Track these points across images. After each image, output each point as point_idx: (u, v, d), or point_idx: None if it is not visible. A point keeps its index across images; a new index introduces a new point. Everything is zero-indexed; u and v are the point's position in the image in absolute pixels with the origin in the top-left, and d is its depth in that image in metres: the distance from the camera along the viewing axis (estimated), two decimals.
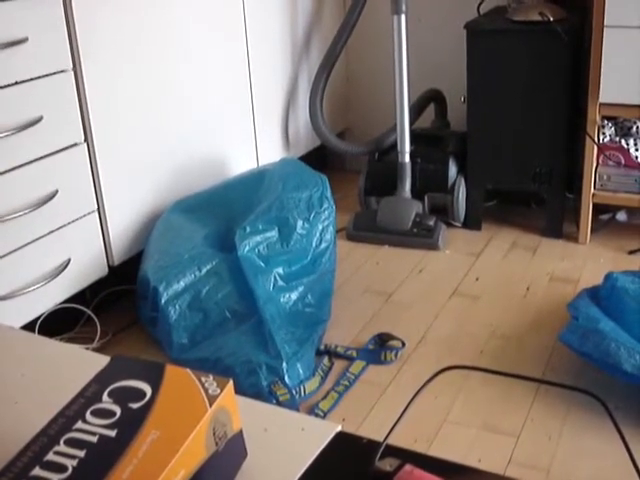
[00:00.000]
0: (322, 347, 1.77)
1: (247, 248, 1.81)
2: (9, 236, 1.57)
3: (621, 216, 2.40)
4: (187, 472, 0.49)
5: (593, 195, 2.22)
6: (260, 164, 2.38)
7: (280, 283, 1.82)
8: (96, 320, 1.87)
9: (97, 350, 1.78)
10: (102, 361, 0.58)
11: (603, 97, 2.09)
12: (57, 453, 0.49)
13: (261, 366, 1.60)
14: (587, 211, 2.24)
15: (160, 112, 1.95)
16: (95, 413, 0.52)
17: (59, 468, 0.48)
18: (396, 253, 2.30)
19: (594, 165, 2.20)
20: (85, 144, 1.73)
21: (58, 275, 1.69)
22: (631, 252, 2.21)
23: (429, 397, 1.61)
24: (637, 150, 2.18)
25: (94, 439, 0.50)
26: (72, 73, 1.67)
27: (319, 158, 2.76)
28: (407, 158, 2.39)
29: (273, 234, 1.86)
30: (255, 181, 2.08)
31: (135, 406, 0.52)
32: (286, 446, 0.59)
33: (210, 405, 0.52)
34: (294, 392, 1.59)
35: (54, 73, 1.62)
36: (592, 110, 2.13)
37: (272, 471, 0.56)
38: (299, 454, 0.58)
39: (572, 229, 2.33)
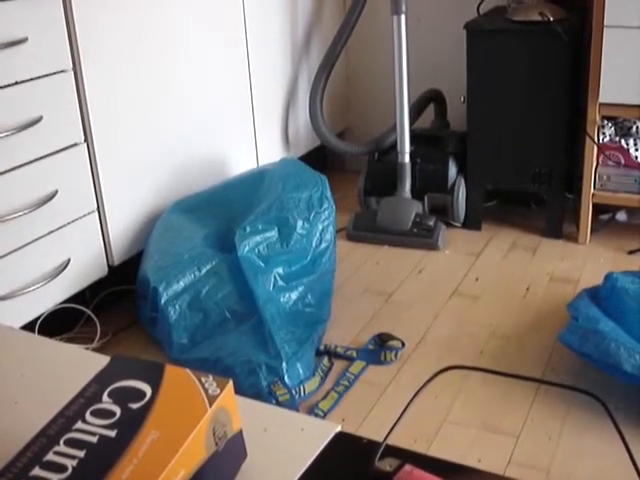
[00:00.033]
0: (322, 347, 1.77)
1: (247, 248, 1.81)
2: (9, 236, 1.57)
3: (621, 216, 2.40)
4: (187, 472, 0.49)
5: (593, 195, 2.22)
6: (260, 164, 2.38)
7: (280, 283, 1.82)
8: (96, 320, 1.87)
9: (97, 350, 1.78)
10: (102, 361, 0.58)
11: (603, 97, 2.09)
12: (57, 453, 0.49)
13: (261, 366, 1.60)
14: (587, 211, 2.24)
15: (160, 112, 1.95)
16: (95, 413, 0.52)
17: (59, 468, 0.48)
18: (396, 253, 2.30)
19: (594, 165, 2.20)
20: (85, 144, 1.73)
21: (58, 275, 1.69)
22: (631, 252, 2.21)
23: (429, 397, 1.61)
24: (637, 150, 2.18)
25: (94, 439, 0.50)
26: (72, 73, 1.67)
27: (319, 158, 2.76)
28: (407, 158, 2.39)
29: (273, 234, 1.86)
30: (255, 181, 2.08)
31: (135, 406, 0.52)
32: (286, 446, 0.59)
33: (210, 405, 0.52)
34: (294, 392, 1.59)
35: (54, 73, 1.62)
36: (592, 110, 2.13)
37: (272, 471, 0.56)
38: (299, 454, 0.58)
39: (572, 229, 2.33)
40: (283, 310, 1.78)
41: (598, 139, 2.18)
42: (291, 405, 1.54)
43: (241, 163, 2.29)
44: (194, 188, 2.07)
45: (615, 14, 2.00)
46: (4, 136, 1.52)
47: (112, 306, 1.98)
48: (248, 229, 1.83)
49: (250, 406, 0.63)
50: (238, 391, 0.56)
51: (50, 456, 0.49)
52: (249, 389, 1.56)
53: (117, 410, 0.52)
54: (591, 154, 2.19)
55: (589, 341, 1.53)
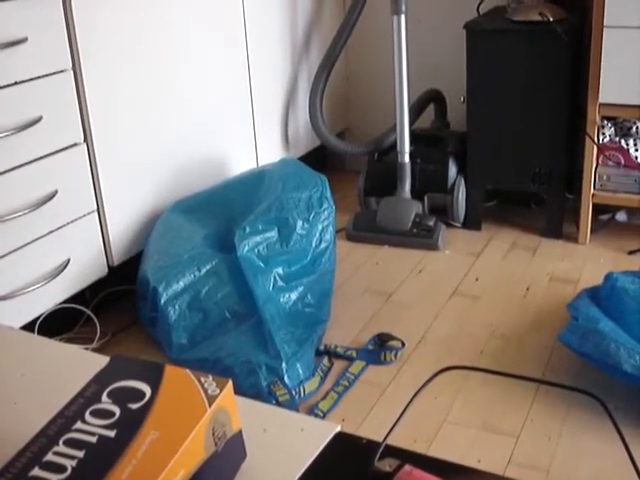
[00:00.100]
0: (322, 347, 1.77)
1: (247, 248, 1.81)
2: (9, 236, 1.57)
3: (621, 216, 2.40)
4: (186, 472, 0.49)
5: (593, 195, 2.22)
6: (260, 164, 2.38)
7: (280, 283, 1.82)
8: (96, 320, 1.87)
9: (96, 350, 1.78)
10: (101, 361, 0.58)
11: (603, 97, 2.09)
12: (56, 453, 0.49)
13: (261, 366, 1.60)
14: (587, 211, 2.24)
15: (160, 112, 1.95)
16: (94, 413, 0.52)
17: (58, 468, 0.48)
18: (396, 253, 2.30)
19: (594, 165, 2.20)
20: (85, 144, 1.73)
21: (58, 275, 1.69)
22: (631, 252, 2.21)
23: (429, 397, 1.61)
24: (637, 150, 2.18)
25: (93, 439, 0.49)
26: (72, 73, 1.67)
27: (319, 158, 2.76)
28: (407, 158, 2.39)
29: (273, 234, 1.86)
30: (255, 181, 2.08)
31: (134, 406, 0.52)
32: (285, 446, 0.59)
33: (209, 405, 0.52)
34: (294, 392, 1.59)
35: (54, 73, 1.62)
36: (592, 110, 2.13)
37: (271, 471, 0.56)
38: (298, 454, 0.58)
39: (572, 229, 2.33)
40: (283, 310, 1.78)
41: (598, 139, 2.18)
42: (291, 405, 1.54)
43: (241, 163, 2.29)
44: (194, 188, 2.07)
45: (615, 14, 2.00)
46: (4, 136, 1.52)
47: (112, 306, 1.98)
48: (248, 229, 1.83)
49: (250, 406, 0.63)
50: (238, 391, 0.56)
51: (49, 456, 0.49)
52: (249, 389, 1.56)
53: (116, 410, 0.52)
54: (591, 154, 2.19)
55: (589, 341, 1.53)
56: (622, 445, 1.39)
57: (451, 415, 1.55)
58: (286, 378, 1.59)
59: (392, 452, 0.57)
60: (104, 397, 0.53)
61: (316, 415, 1.55)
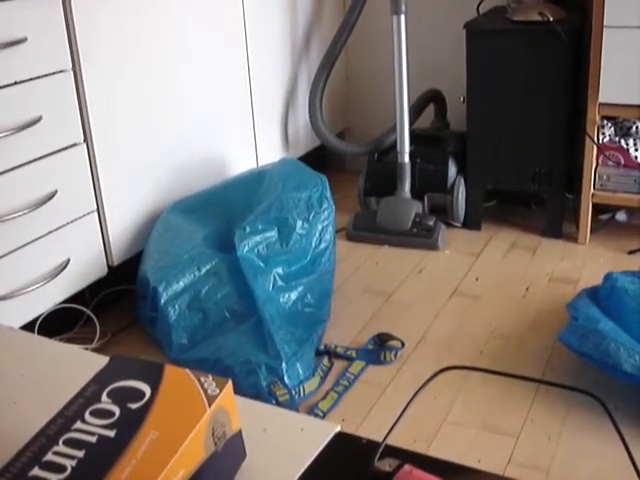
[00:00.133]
0: (322, 347, 1.77)
1: (246, 248, 1.81)
2: (8, 236, 1.57)
3: (621, 216, 2.40)
4: (186, 472, 0.49)
5: (593, 195, 2.22)
6: (260, 164, 2.38)
7: (279, 283, 1.82)
8: (95, 320, 1.87)
9: (96, 350, 1.78)
10: (101, 361, 0.58)
11: (603, 97, 2.09)
12: (56, 453, 0.49)
13: (260, 366, 1.59)
14: (587, 211, 2.24)
15: (160, 112, 1.95)
16: (94, 413, 0.52)
17: (58, 468, 0.48)
18: (396, 253, 2.30)
19: (594, 165, 2.20)
20: (84, 144, 1.73)
21: (57, 275, 1.69)
22: (631, 252, 2.21)
23: (428, 397, 1.61)
24: (637, 150, 2.18)
25: (93, 439, 0.49)
26: (71, 73, 1.67)
27: (319, 158, 2.76)
28: (407, 158, 2.39)
29: (273, 234, 1.86)
30: (255, 181, 2.08)
31: (134, 406, 0.52)
32: (285, 446, 0.59)
33: (209, 405, 0.52)
34: (293, 392, 1.59)
35: (53, 73, 1.62)
36: (592, 110, 2.13)
37: (271, 471, 0.56)
38: (298, 454, 0.58)
39: (572, 229, 2.33)
40: (283, 310, 1.78)
41: (598, 139, 2.18)
42: (291, 405, 1.54)
43: (241, 163, 2.29)
44: (194, 188, 2.07)
45: (615, 14, 2.00)
46: (3, 136, 1.52)
47: (112, 306, 1.98)
48: (248, 229, 1.83)
49: (249, 406, 0.63)
50: (238, 391, 0.56)
51: (49, 456, 0.49)
52: (249, 389, 1.56)
53: (116, 410, 0.52)
54: (591, 154, 2.19)
55: (589, 341, 1.53)
56: (622, 445, 1.39)
57: (451, 415, 1.55)
58: (286, 378, 1.60)
59: (392, 452, 0.57)
60: (104, 397, 0.53)
61: (316, 415, 1.55)
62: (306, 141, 2.66)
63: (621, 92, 2.08)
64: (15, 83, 1.54)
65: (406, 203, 2.38)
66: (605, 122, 2.20)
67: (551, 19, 2.17)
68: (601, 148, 2.20)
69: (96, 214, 1.79)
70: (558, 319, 1.82)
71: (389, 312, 1.96)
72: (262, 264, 1.82)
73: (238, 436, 0.55)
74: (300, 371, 1.64)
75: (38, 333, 1.61)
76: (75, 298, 1.80)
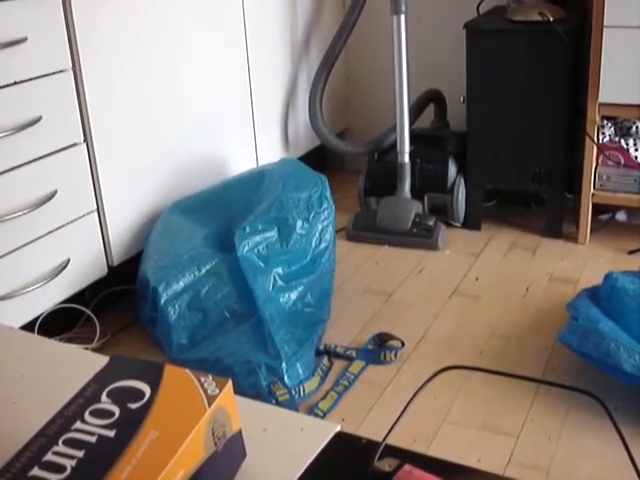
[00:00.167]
0: (322, 347, 1.77)
1: (246, 248, 1.81)
2: (8, 236, 1.57)
3: (621, 216, 2.40)
4: (186, 472, 0.49)
5: (593, 195, 2.22)
6: (260, 164, 2.38)
7: (279, 283, 1.82)
8: (95, 320, 1.87)
9: (96, 350, 1.78)
10: (101, 361, 0.58)
11: (603, 97, 2.09)
12: (56, 453, 0.49)
13: (260, 366, 1.60)
14: (587, 211, 2.24)
15: (160, 112, 1.95)
16: (94, 413, 0.52)
17: (58, 468, 0.47)
18: (396, 253, 2.30)
19: (594, 165, 2.20)
20: (84, 144, 1.73)
21: (57, 275, 1.69)
22: (631, 252, 2.21)
23: (428, 397, 1.61)
24: (637, 150, 2.18)
25: (93, 439, 0.49)
26: (71, 73, 1.67)
27: (319, 158, 2.76)
28: (407, 158, 2.39)
29: (273, 234, 1.86)
30: (255, 181, 2.08)
31: (134, 406, 0.52)
32: (285, 446, 0.59)
33: (209, 405, 0.52)
34: (293, 392, 1.59)
35: (53, 73, 1.62)
36: (592, 110, 2.13)
37: (271, 471, 0.56)
38: (298, 454, 0.58)
39: (572, 229, 2.33)
40: (283, 310, 1.78)
41: (598, 139, 2.18)
42: (291, 405, 1.54)
43: (241, 163, 2.29)
44: (194, 188, 2.07)
45: (615, 14, 2.00)
46: (3, 136, 1.52)
47: (112, 306, 1.98)
48: (248, 229, 1.83)
49: (249, 406, 0.63)
50: (238, 391, 0.56)
51: (49, 456, 0.49)
52: (249, 389, 1.56)
53: (116, 410, 0.52)
54: (591, 154, 2.19)
55: (589, 341, 1.53)
56: (622, 445, 1.39)
57: (451, 415, 1.55)
58: (286, 378, 1.60)
59: (392, 452, 0.57)
60: (104, 397, 0.53)
61: (316, 415, 1.55)
62: (306, 141, 2.66)
63: (621, 92, 2.08)
64: (15, 83, 1.54)
65: (406, 203, 2.38)
66: (605, 122, 2.20)
67: (551, 19, 2.17)
68: (601, 148, 2.20)
69: (96, 214, 1.79)
70: (558, 319, 1.82)
71: (389, 312, 1.96)
72: (262, 264, 1.82)
73: (238, 436, 0.55)
74: (300, 371, 1.64)
75: (38, 333, 1.61)
76: (75, 298, 1.80)
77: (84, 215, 1.76)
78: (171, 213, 1.95)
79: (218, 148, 2.20)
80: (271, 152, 2.45)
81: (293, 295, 1.82)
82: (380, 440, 0.60)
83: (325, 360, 1.73)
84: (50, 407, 0.53)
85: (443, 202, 2.41)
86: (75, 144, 1.71)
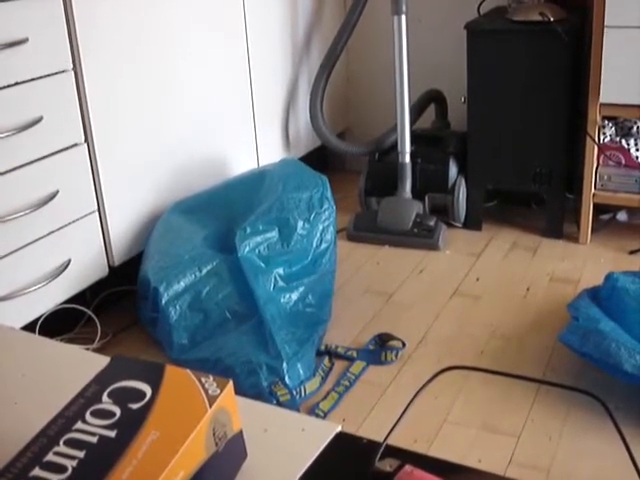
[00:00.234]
0: (322, 347, 1.77)
1: (247, 249, 1.81)
2: (9, 236, 1.57)
3: (621, 216, 2.40)
4: (187, 473, 0.49)
5: (593, 195, 2.22)
6: (260, 164, 2.38)
7: (280, 283, 1.82)
8: (96, 320, 1.87)
9: (97, 350, 1.78)
10: (102, 361, 0.58)
11: (603, 97, 2.09)
12: (57, 454, 0.49)
13: (261, 366, 1.60)
14: (587, 211, 2.24)
15: (161, 112, 1.95)
16: (95, 414, 0.52)
17: (59, 469, 0.48)
18: (396, 253, 2.30)
19: (594, 165, 2.20)
20: (85, 144, 1.73)
21: (58, 275, 1.69)
22: (632, 252, 2.21)
23: (429, 397, 1.60)
24: (637, 150, 2.18)
25: (94, 440, 0.49)
26: (72, 73, 1.67)
27: (319, 158, 2.76)
28: (407, 158, 2.39)
29: (273, 235, 1.86)
30: (255, 182, 2.08)
31: (135, 406, 0.52)
32: (286, 446, 0.59)
33: (210, 406, 0.52)
34: (294, 392, 1.59)
35: (54, 73, 1.62)
36: (592, 110, 2.13)
37: (272, 471, 0.56)
38: (299, 454, 0.58)
39: (572, 229, 2.33)
40: (284, 310, 1.78)
41: (599, 139, 2.18)
42: (292, 405, 1.54)
43: (241, 163, 2.29)
44: (194, 188, 2.07)
45: (615, 14, 2.00)
46: (4, 136, 1.52)
47: (112, 306, 1.98)
48: (248, 230, 1.83)
49: (250, 406, 0.63)
50: (238, 391, 0.56)
51: (50, 456, 0.49)
52: (249, 389, 1.56)
53: (117, 410, 0.52)
54: (592, 154, 2.19)
55: (589, 341, 1.53)
56: (623, 445, 1.39)
57: (452, 415, 1.55)
58: (287, 378, 1.60)
59: (393, 452, 0.57)
60: (104, 397, 0.53)
61: (317, 415, 1.55)
62: (307, 141, 2.66)
63: (622, 92, 2.08)
64: (16, 83, 1.54)
65: (407, 203, 2.38)
66: (606, 122, 2.19)
67: (552, 19, 2.17)
68: (602, 148, 2.20)
69: (97, 214, 1.80)
70: (559, 319, 1.82)
71: (390, 312, 1.96)
72: (263, 264, 1.82)
73: (239, 436, 0.55)
74: (301, 371, 1.64)
75: (39, 333, 1.61)
76: (76, 298, 1.80)
77: (85, 215, 1.76)
78: (172, 213, 1.95)
79: (219, 148, 2.20)
80: (272, 152, 2.45)
81: (294, 295, 1.82)
82: (381, 440, 0.60)
83: (326, 360, 1.73)
84: (51, 407, 0.53)
85: (444, 202, 2.41)
86: (76, 144, 1.71)
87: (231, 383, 0.54)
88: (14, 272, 1.60)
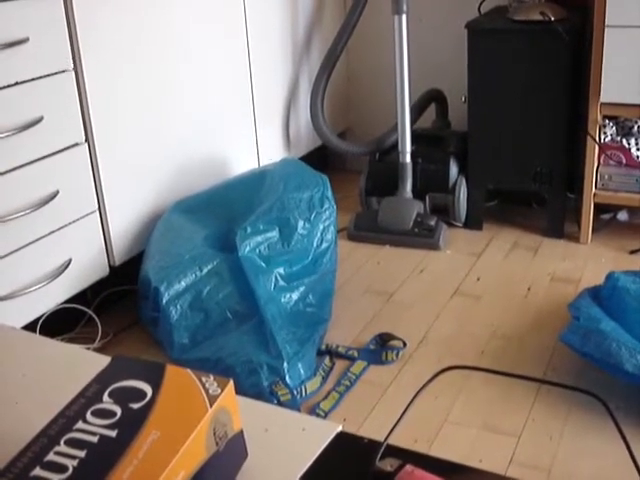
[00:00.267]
0: (323, 347, 1.77)
1: (248, 248, 1.81)
2: (10, 236, 1.57)
3: (622, 216, 2.40)
4: (187, 472, 0.49)
5: (594, 195, 2.22)
6: (261, 164, 2.38)
7: (281, 283, 1.82)
8: (97, 320, 1.87)
9: (98, 350, 1.78)
10: (103, 361, 0.58)
11: (604, 97, 2.09)
12: (57, 453, 0.49)
13: (262, 366, 1.60)
14: (588, 211, 2.24)
15: (161, 112, 1.95)
16: (96, 413, 0.52)
17: (59, 468, 0.48)
18: (397, 253, 2.30)
19: (595, 165, 2.20)
20: (86, 144, 1.73)
21: (59, 275, 1.69)
22: (632, 252, 2.21)
23: (430, 397, 1.60)
24: (638, 150, 2.18)
25: (94, 439, 0.49)
26: (73, 73, 1.67)
27: (320, 158, 2.76)
28: (408, 158, 2.39)
29: (274, 234, 1.86)
30: (256, 181, 2.08)
31: (136, 406, 0.52)
32: (287, 446, 0.59)
33: (210, 405, 0.52)
34: (295, 392, 1.59)
35: (55, 73, 1.62)
36: (593, 110, 2.13)
37: (273, 471, 0.56)
38: (300, 454, 0.58)
39: (573, 229, 2.33)
40: (284, 310, 1.78)
41: (599, 139, 2.18)
42: (292, 405, 1.54)
43: (242, 163, 2.29)
44: (195, 188, 2.07)
45: (616, 14, 2.00)
46: (5, 136, 1.52)
47: (113, 306, 1.98)
48: (249, 229, 1.83)
49: (251, 406, 0.63)
50: (239, 391, 0.56)
51: (51, 456, 0.49)
52: (250, 389, 1.56)
53: (118, 410, 0.52)
54: (592, 154, 2.19)
55: (590, 341, 1.53)
56: (623, 445, 1.39)
57: (452, 415, 1.55)
58: (287, 378, 1.59)
59: (393, 452, 0.57)
60: (105, 397, 0.53)
61: (317, 415, 1.55)
62: (307, 141, 2.66)
63: (622, 92, 2.07)
64: (17, 83, 1.54)
65: (407, 203, 2.38)
66: (606, 122, 2.19)
67: (552, 19, 2.16)
68: (602, 148, 2.19)
69: (97, 214, 1.80)
70: (559, 319, 1.82)
71: (390, 312, 1.96)
72: (263, 264, 1.82)
73: (239, 436, 0.55)
74: (302, 371, 1.64)
75: (40, 333, 1.61)
76: (77, 298, 1.80)
77: (85, 215, 1.76)
78: (172, 213, 1.95)
79: (219, 148, 2.20)
80: (272, 152, 2.45)
81: (295, 295, 1.82)
82: (382, 440, 0.60)
83: (327, 360, 1.73)
84: (52, 407, 0.53)
85: (444, 202, 2.41)
86: (76, 144, 1.71)
87: (232, 383, 0.54)
88: (15, 272, 1.60)
